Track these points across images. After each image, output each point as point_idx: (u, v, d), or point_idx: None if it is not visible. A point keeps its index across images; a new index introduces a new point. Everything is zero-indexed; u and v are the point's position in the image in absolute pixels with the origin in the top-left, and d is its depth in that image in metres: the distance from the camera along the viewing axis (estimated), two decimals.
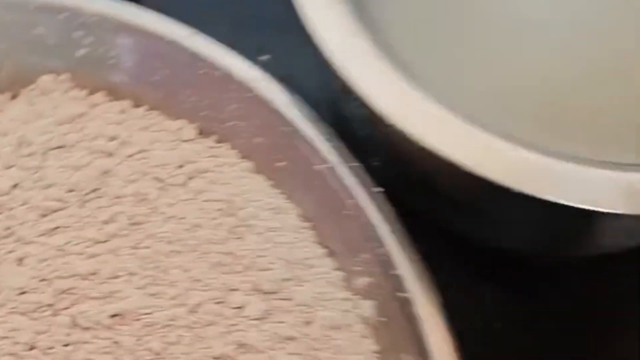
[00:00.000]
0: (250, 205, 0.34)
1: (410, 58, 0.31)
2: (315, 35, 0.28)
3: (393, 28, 0.32)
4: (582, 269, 0.40)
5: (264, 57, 0.43)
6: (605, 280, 0.39)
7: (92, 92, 0.38)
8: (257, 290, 0.32)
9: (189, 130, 0.37)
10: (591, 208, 0.26)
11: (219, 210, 0.34)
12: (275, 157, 0.35)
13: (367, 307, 0.33)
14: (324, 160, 0.34)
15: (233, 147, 0.36)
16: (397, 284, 0.32)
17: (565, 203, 0.26)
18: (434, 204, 0.36)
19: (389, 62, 0.28)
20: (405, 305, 0.32)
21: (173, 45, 0.37)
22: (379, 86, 0.27)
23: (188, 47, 0.36)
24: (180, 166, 0.35)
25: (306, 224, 0.35)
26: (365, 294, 0.33)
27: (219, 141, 0.37)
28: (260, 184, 0.35)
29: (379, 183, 0.33)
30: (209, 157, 0.36)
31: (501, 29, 0.35)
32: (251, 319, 0.32)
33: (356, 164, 0.33)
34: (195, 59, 0.36)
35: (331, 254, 0.34)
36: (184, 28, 0.37)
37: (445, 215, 0.36)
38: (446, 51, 0.33)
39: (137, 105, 0.38)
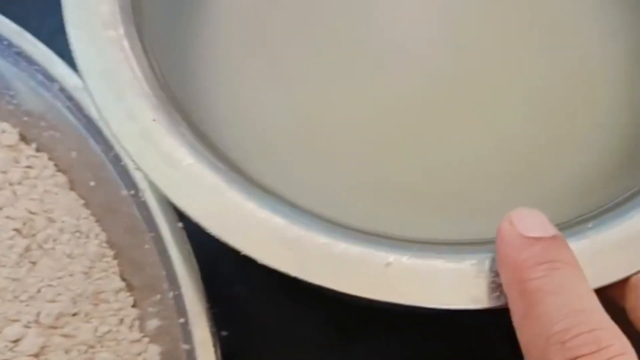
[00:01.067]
0: (52, 227, 0.32)
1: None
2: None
3: None
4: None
5: None
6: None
7: None
8: (38, 323, 0.30)
9: (11, 134, 0.34)
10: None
11: (15, 230, 0.31)
12: (89, 175, 0.32)
13: (154, 353, 0.30)
14: (133, 186, 0.31)
15: (51, 159, 0.34)
16: (184, 333, 0.29)
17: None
18: None
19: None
20: (189, 358, 0.29)
21: None
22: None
23: (14, 45, 0.33)
24: None
25: (110, 252, 0.32)
26: (154, 338, 0.30)
27: (38, 150, 0.34)
28: (71, 201, 0.33)
29: None
30: (24, 167, 0.33)
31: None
32: (25, 355, 0.29)
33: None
34: (19, 58, 0.33)
35: (131, 288, 0.31)
36: (13, 24, 0.34)
37: None
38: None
39: None
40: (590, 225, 0.24)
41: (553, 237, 0.22)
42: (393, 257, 0.23)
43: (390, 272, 0.23)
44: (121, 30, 0.26)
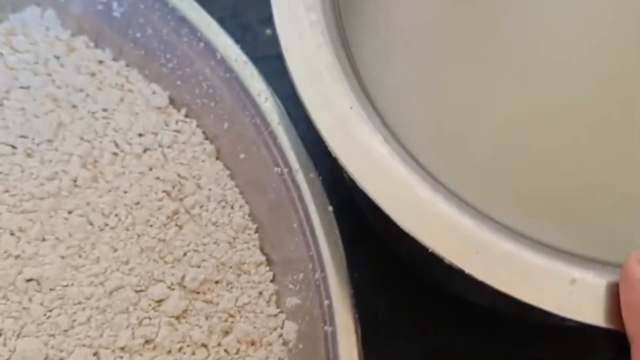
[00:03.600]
0: (199, 193, 0.32)
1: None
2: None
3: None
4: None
5: (269, 31, 0.40)
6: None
7: (74, 35, 0.35)
8: (182, 286, 0.31)
9: (162, 97, 0.34)
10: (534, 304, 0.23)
11: (165, 191, 0.32)
12: (238, 147, 0.33)
13: (291, 330, 0.31)
14: (285, 164, 0.31)
15: (200, 126, 0.34)
16: (326, 315, 0.30)
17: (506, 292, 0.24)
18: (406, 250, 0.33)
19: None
20: (328, 339, 0.29)
21: (162, 4, 0.34)
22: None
23: (177, 9, 0.34)
24: (141, 135, 0.33)
25: (252, 226, 0.32)
26: (292, 315, 0.31)
27: (187, 115, 0.34)
28: (217, 171, 0.33)
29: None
30: (173, 131, 0.34)
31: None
32: (167, 316, 0.30)
33: (316, 176, 0.31)
34: (181, 23, 0.34)
35: (270, 263, 0.32)
36: None
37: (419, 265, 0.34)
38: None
39: (116, 59, 0.35)
40: None
41: None
42: (578, 274, 0.23)
43: (575, 290, 0.23)
44: (322, 14, 0.26)
